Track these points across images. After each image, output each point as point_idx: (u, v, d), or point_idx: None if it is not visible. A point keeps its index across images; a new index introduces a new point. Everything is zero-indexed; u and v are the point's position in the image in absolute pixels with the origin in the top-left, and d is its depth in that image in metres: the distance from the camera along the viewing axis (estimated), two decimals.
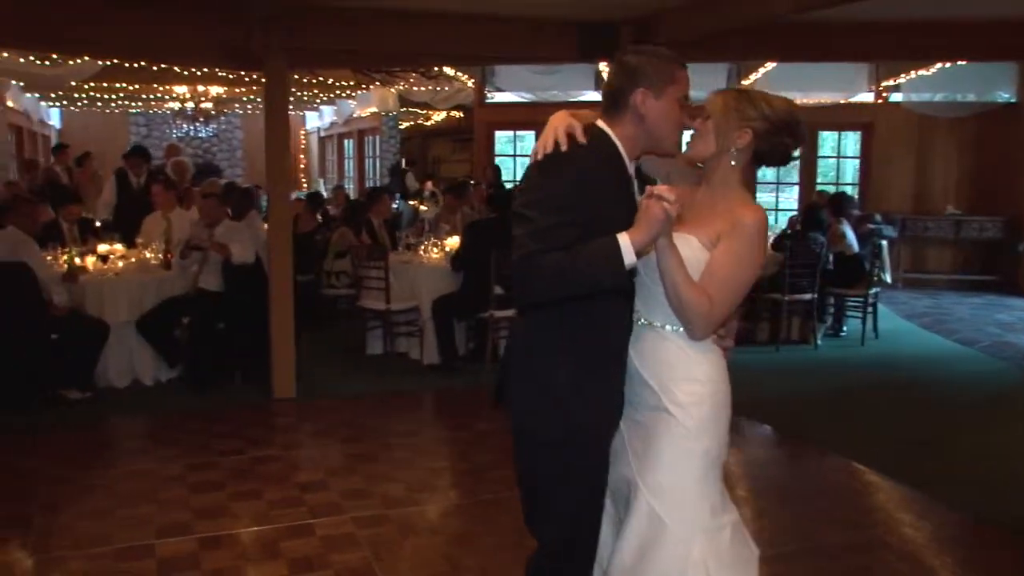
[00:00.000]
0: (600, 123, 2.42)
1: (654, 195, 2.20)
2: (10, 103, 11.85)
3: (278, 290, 6.30)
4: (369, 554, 3.96)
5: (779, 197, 13.14)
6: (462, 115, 15.39)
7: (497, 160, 13.22)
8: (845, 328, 9.06)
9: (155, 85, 12.24)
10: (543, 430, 2.44)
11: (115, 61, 8.85)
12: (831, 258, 8.66)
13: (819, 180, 12.82)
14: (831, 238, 8.63)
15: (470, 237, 7.26)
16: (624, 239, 2.21)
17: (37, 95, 13.27)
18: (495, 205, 7.54)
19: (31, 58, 8.96)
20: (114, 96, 13.42)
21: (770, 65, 10.97)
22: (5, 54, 8.72)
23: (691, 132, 2.53)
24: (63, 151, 11.38)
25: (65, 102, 14.65)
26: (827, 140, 13.26)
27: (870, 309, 8.74)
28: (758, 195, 12.95)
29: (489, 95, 13.03)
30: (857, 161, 12.91)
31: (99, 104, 14.58)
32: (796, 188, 12.98)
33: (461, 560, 3.93)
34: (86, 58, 9.01)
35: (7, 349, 5.92)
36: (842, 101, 12.34)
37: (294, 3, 6.17)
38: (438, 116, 16.66)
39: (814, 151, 12.66)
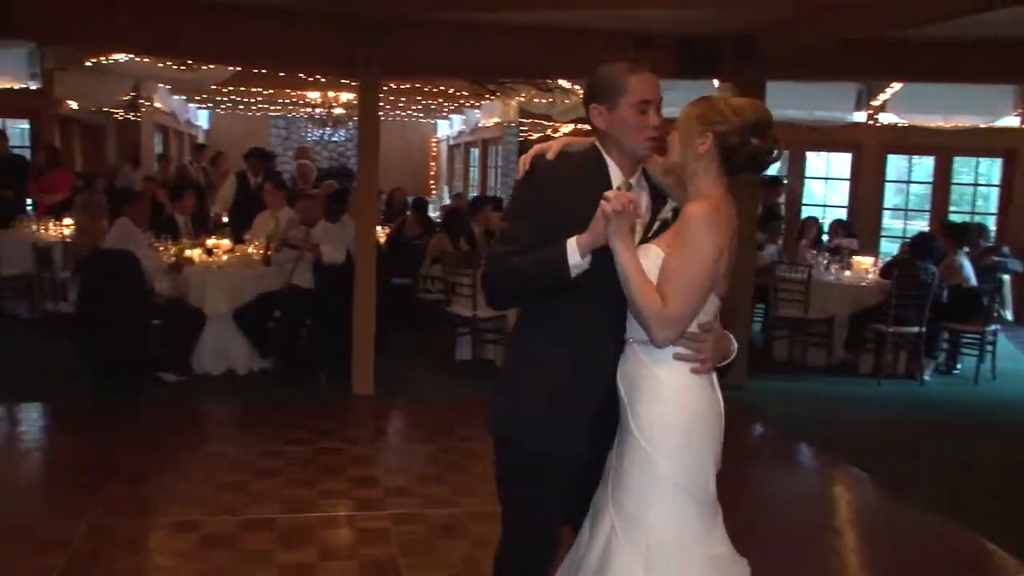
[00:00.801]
0: (596, 141, 2.50)
1: (603, 196, 2.27)
2: (158, 104, 12.74)
3: (361, 291, 6.52)
4: (396, 550, 4.06)
5: (907, 224, 12.53)
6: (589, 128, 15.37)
7: None
8: (959, 366, 8.56)
9: (288, 90, 12.86)
10: (514, 433, 2.48)
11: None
12: (945, 291, 8.21)
13: (952, 208, 12.15)
14: (944, 269, 8.18)
15: None
16: (572, 240, 2.29)
17: (184, 97, 14.20)
18: None
19: (169, 63, 9.61)
20: (253, 100, 14.18)
21: (898, 86, 10.49)
22: (146, 59, 9.37)
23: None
24: (200, 150, 12.12)
25: (210, 105, 15.62)
26: (963, 166, 12.55)
27: (988, 347, 8.23)
28: (885, 220, 12.42)
29: None
30: (997, 190, 12.15)
31: (241, 107, 15.45)
32: (927, 216, 12.34)
33: (482, 564, 3.96)
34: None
35: (112, 331, 6.37)
36: (983, 125, 11.66)
37: (394, 15, 6.38)
38: (566, 128, 16.72)
39: (947, 177, 12.01)
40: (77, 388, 6.43)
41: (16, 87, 10.60)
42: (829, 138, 11.83)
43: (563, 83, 11.22)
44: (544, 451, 2.44)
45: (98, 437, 5.62)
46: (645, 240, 2.44)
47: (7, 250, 8.42)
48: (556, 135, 17.50)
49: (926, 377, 8.08)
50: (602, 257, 2.31)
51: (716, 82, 7.67)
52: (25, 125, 11.48)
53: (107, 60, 9.75)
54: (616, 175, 2.45)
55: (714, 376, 2.44)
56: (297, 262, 7.03)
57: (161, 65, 9.69)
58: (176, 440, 5.56)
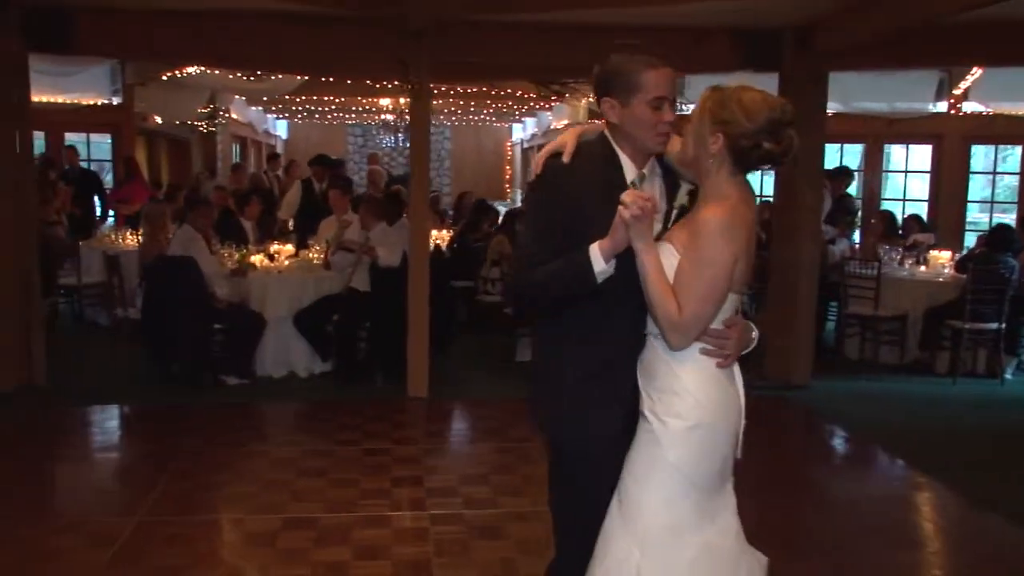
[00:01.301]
0: (605, 132, 2.49)
1: (620, 201, 2.25)
2: (234, 115, 13.12)
3: (415, 293, 6.56)
4: (432, 550, 4.07)
5: (993, 217, 11.96)
6: None
7: None
8: None
9: (359, 98, 13.07)
10: (555, 431, 2.54)
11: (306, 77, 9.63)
12: None
13: None
14: None
15: None
16: (595, 247, 2.30)
17: (261, 108, 14.59)
18: None
19: (240, 75, 9.88)
20: (328, 109, 14.48)
21: (979, 72, 10.06)
22: (216, 72, 9.66)
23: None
24: (274, 159, 12.45)
25: (287, 115, 16.01)
26: None
27: None
28: (970, 213, 11.90)
29: (684, 107, 12.84)
30: None
31: (317, 116, 15.80)
32: (1016, 208, 11.77)
33: (516, 565, 3.95)
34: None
35: (175, 335, 6.58)
36: None
37: (441, 18, 6.42)
38: None
39: None
40: (144, 392, 6.67)
41: (99, 103, 11.05)
42: (909, 129, 11.40)
43: None
44: (587, 449, 2.47)
45: (157, 437, 5.83)
46: (665, 229, 2.44)
47: (87, 259, 8.77)
48: None
49: (1007, 376, 7.70)
50: (625, 258, 2.31)
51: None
52: (107, 139, 11.92)
53: (182, 74, 10.10)
54: (629, 168, 2.45)
55: (736, 368, 2.45)
56: (356, 266, 7.13)
57: (231, 77, 9.98)
58: (229, 440, 5.69)
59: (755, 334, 2.46)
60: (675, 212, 2.44)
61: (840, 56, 7.13)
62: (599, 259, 2.29)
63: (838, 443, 6.27)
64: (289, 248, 7.91)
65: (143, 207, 7.72)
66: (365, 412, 6.24)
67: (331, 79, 10.59)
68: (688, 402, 2.32)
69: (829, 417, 6.53)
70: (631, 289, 2.33)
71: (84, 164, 11.52)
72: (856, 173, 12.03)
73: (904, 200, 11.91)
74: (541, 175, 2.47)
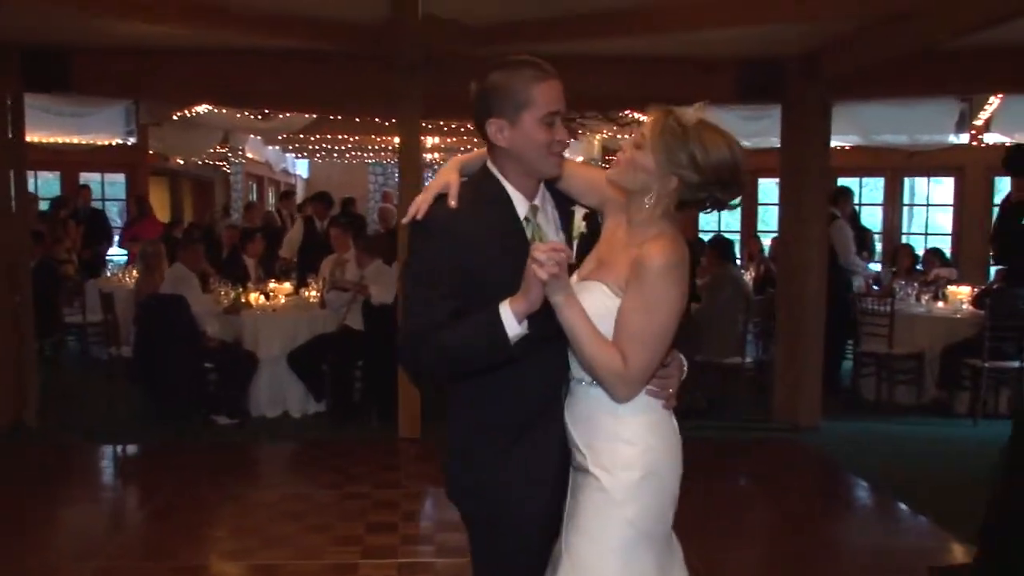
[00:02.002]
0: (488, 162, 2.21)
1: (531, 257, 1.98)
2: (250, 154, 13.18)
3: None
4: None
5: None
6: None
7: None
8: None
9: (372, 136, 13.08)
10: (472, 505, 2.26)
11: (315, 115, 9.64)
12: None
13: None
14: None
15: None
16: (506, 308, 2.00)
17: (277, 147, 14.68)
18: None
19: (247, 113, 9.91)
20: (346, 148, 14.52)
21: (996, 102, 9.81)
22: (223, 111, 9.70)
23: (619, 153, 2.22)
24: (287, 197, 12.48)
25: (305, 153, 16.10)
26: None
27: None
28: None
29: None
30: None
31: (336, 155, 15.86)
32: None
33: None
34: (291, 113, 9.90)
35: (165, 373, 6.50)
36: None
37: (436, 52, 6.35)
38: None
39: None
40: (134, 431, 6.58)
41: (114, 143, 11.15)
42: (930, 162, 11.13)
43: (640, 117, 11.00)
44: (506, 519, 2.20)
45: (137, 478, 5.80)
46: (574, 264, 2.21)
47: (92, 298, 8.75)
48: None
49: None
50: (538, 312, 2.03)
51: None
52: (121, 178, 12.04)
53: (191, 114, 10.15)
54: (520, 202, 2.18)
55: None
56: (350, 304, 7.02)
57: (240, 116, 10.01)
58: (208, 481, 5.56)
59: (684, 365, 2.28)
60: (575, 242, 2.23)
61: (846, 85, 6.95)
62: (512, 320, 1.99)
63: (844, 489, 5.96)
64: (287, 287, 7.82)
65: (142, 245, 7.68)
66: (353, 454, 6.08)
67: (338, 116, 10.57)
68: (639, 449, 2.13)
69: (838, 461, 6.25)
70: (546, 340, 2.08)
71: (98, 204, 11.60)
72: (878, 208, 11.81)
73: (926, 234, 11.60)
74: (424, 225, 2.12)
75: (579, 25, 6.07)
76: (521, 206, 2.19)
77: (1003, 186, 11.49)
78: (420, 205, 2.14)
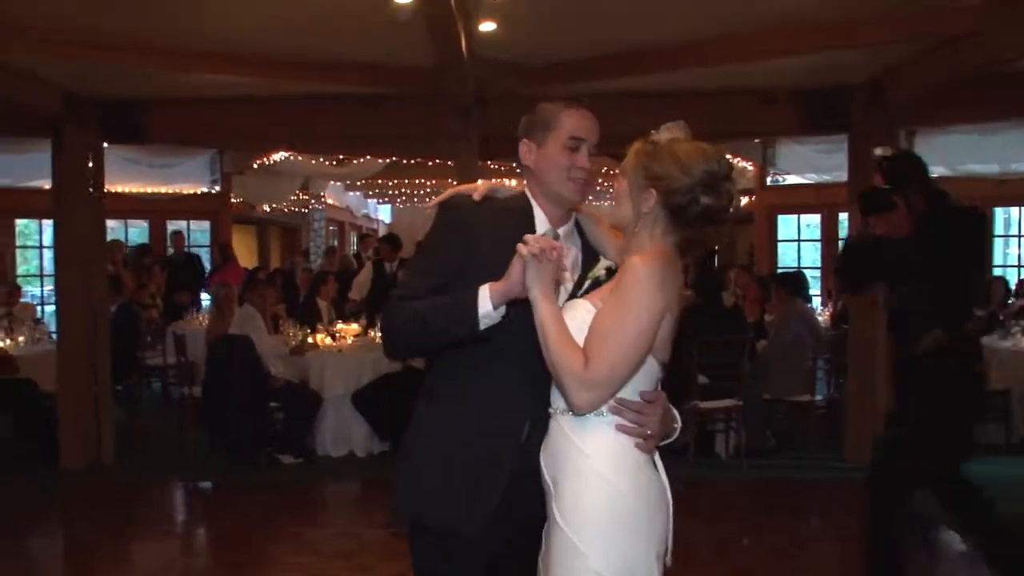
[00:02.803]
0: (524, 187, 2.31)
1: (523, 240, 2.02)
2: (331, 200, 13.54)
3: None
4: None
5: None
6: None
7: (780, 244, 12.52)
8: None
9: (449, 180, 13.25)
10: (412, 512, 2.26)
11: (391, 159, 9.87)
12: None
13: None
14: None
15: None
16: (485, 287, 2.05)
17: (358, 193, 15.05)
18: (702, 290, 7.11)
19: (322, 159, 10.20)
20: (422, 191, 14.78)
21: None
22: (300, 158, 10.01)
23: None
24: (365, 240, 12.74)
25: (385, 199, 16.44)
26: None
27: None
28: None
29: (777, 178, 12.47)
30: None
31: (416, 200, 16.14)
32: None
33: None
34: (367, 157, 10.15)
35: (232, 412, 6.65)
36: None
37: (490, 93, 6.43)
38: (740, 201, 16.18)
39: None
40: (201, 470, 6.77)
41: (199, 191, 11.63)
42: (1021, 191, 10.63)
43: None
44: (444, 531, 2.17)
45: (197, 516, 5.99)
46: (573, 296, 2.18)
47: (172, 342, 9.05)
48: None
49: None
50: (522, 313, 2.04)
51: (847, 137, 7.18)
52: (206, 226, 12.51)
53: (270, 161, 10.52)
54: (542, 223, 2.23)
55: (658, 459, 2.11)
56: None
57: (315, 162, 10.31)
58: (263, 519, 5.66)
59: (677, 423, 2.14)
60: (588, 283, 2.17)
61: (911, 111, 6.74)
62: (487, 300, 2.02)
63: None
64: (355, 327, 7.94)
65: (214, 288, 7.94)
66: None
67: (407, 160, 10.77)
68: (603, 490, 1.98)
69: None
70: (526, 354, 2.05)
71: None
72: None
73: (1020, 266, 11.06)
74: (445, 209, 2.25)
75: (629, 61, 6.07)
76: (542, 226, 2.23)
77: None
78: (443, 196, 2.29)
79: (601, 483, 1.98)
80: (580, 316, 2.04)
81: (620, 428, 2.01)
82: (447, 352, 2.20)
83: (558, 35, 5.72)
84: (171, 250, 11.55)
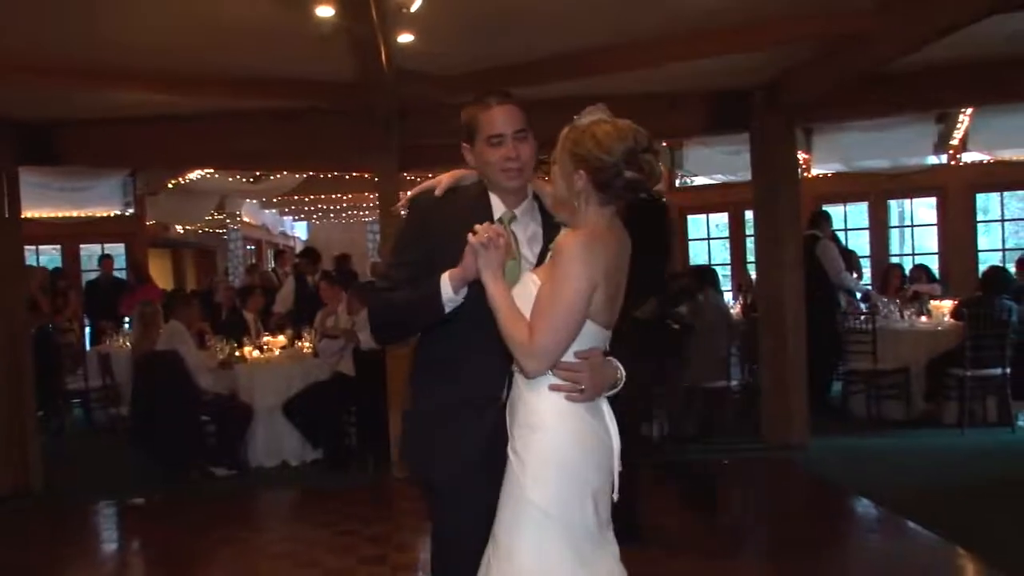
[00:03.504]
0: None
1: (473, 229, 2.29)
2: (247, 218, 13.48)
3: (394, 374, 6.57)
4: None
5: (1006, 265, 11.69)
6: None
7: (691, 243, 12.99)
8: None
9: (366, 193, 13.33)
10: (412, 468, 2.62)
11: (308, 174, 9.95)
12: None
13: None
14: None
15: None
16: (445, 275, 2.33)
17: (275, 211, 15.00)
18: None
19: (239, 177, 10.20)
20: (340, 207, 14.81)
21: (965, 120, 10.05)
22: (215, 175, 9.99)
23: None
24: (281, 256, 12.75)
25: (302, 215, 16.40)
26: None
27: None
28: (983, 263, 11.64)
29: (685, 180, 12.93)
30: None
31: (332, 215, 16.15)
32: None
33: None
34: (284, 173, 10.22)
35: (163, 428, 6.65)
36: None
37: (409, 104, 6.61)
38: None
39: None
40: (134, 488, 6.74)
41: (112, 214, 11.47)
42: (911, 184, 11.32)
43: None
44: (443, 486, 2.45)
45: (133, 532, 5.99)
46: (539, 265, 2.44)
47: (94, 365, 8.93)
48: None
49: (1020, 423, 7.43)
50: (480, 294, 2.30)
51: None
52: (120, 248, 12.32)
53: (184, 180, 10.46)
54: (498, 207, 2.49)
55: (603, 404, 2.36)
56: (342, 351, 7.18)
57: (231, 180, 10.30)
58: (201, 529, 5.69)
59: (620, 374, 2.36)
60: (550, 254, 2.38)
61: (807, 110, 7.18)
62: (447, 286, 2.32)
63: (834, 501, 6.03)
64: (282, 339, 8.00)
65: (139, 306, 7.90)
66: (347, 496, 6.21)
67: (325, 175, 10.85)
68: (546, 437, 2.26)
69: (828, 475, 6.32)
70: (492, 326, 2.30)
71: (95, 273, 11.85)
72: (864, 232, 11.97)
73: (913, 255, 11.74)
74: (411, 207, 2.54)
75: (544, 69, 6.31)
76: (499, 210, 2.49)
77: (983, 203, 11.69)
78: (408, 196, 2.58)
79: (545, 431, 2.27)
80: (530, 290, 2.30)
81: (552, 387, 2.28)
82: (429, 330, 2.50)
83: (474, 45, 5.93)
84: (97, 273, 11.39)
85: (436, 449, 2.45)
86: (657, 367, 4.53)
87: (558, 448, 2.26)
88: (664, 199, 4.93)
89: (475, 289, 2.32)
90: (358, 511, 5.81)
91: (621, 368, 2.38)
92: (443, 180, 2.55)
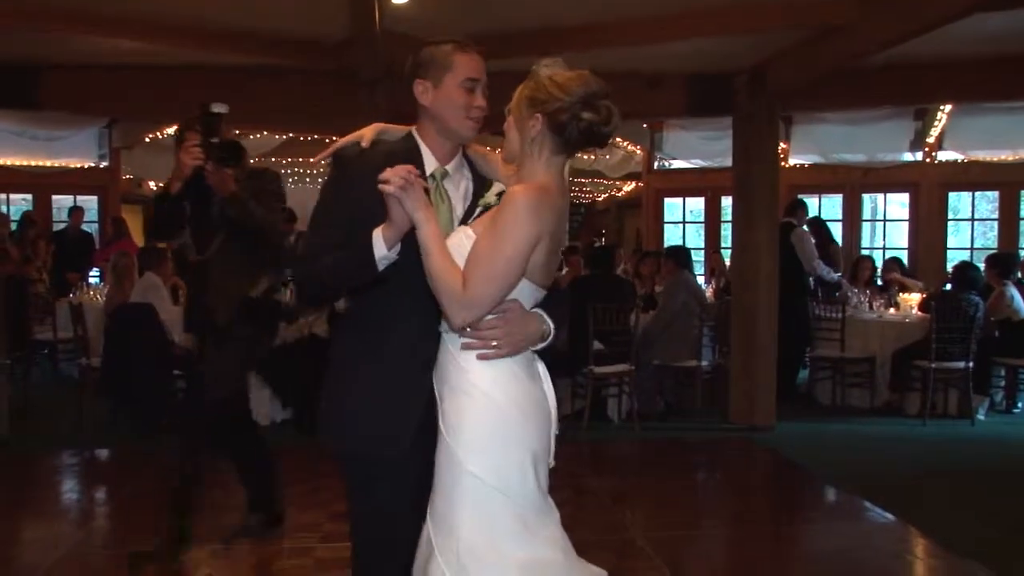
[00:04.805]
0: (412, 129, 2.43)
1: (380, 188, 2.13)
2: None
3: None
4: None
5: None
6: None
7: (667, 225, 13.09)
8: (1020, 404, 8.04)
9: None
10: (336, 442, 2.41)
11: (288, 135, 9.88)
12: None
13: None
14: (993, 303, 7.76)
15: (572, 294, 7.25)
16: (378, 231, 2.18)
17: None
18: (595, 263, 7.48)
19: None
20: (317, 171, 14.69)
21: (943, 118, 10.22)
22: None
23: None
24: None
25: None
26: None
27: None
28: (952, 260, 11.85)
29: (664, 163, 12.99)
30: None
31: (308, 180, 16.02)
32: None
33: None
34: (264, 133, 10.14)
35: (135, 381, 6.62)
36: None
37: (396, 68, 6.57)
38: (628, 187, 16.71)
39: (1014, 213, 11.40)
40: (102, 439, 6.76)
41: (86, 166, 11.32)
42: (886, 179, 11.48)
43: None
44: (371, 458, 2.32)
45: (99, 481, 6.01)
46: (463, 224, 2.33)
47: (63, 317, 8.85)
48: (619, 194, 17.57)
49: (980, 417, 7.61)
50: (413, 250, 2.18)
51: None
52: (94, 200, 12.16)
53: (162, 135, 10.34)
54: (430, 162, 2.36)
55: (539, 366, 2.30)
56: (318, 312, 7.17)
57: None
58: (167, 481, 5.66)
59: (547, 325, 2.25)
60: (479, 210, 2.32)
61: (791, 98, 7.26)
62: (381, 244, 2.17)
63: (798, 482, 6.16)
64: None
65: (114, 257, 7.83)
66: (318, 454, 6.14)
67: (306, 137, 10.79)
68: (480, 402, 2.16)
69: (792, 457, 6.44)
70: (420, 286, 2.19)
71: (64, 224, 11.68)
72: (837, 224, 12.11)
73: (884, 248, 11.92)
74: (334, 163, 2.37)
75: (532, 40, 6.32)
76: (431, 165, 2.36)
77: (955, 202, 11.87)
78: (330, 150, 2.39)
79: (478, 395, 2.17)
80: (461, 242, 2.19)
81: (464, 346, 2.18)
82: (358, 295, 2.37)
83: (464, 13, 5.94)
84: (65, 224, 11.25)
85: (369, 420, 2.30)
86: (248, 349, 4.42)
87: (493, 415, 2.16)
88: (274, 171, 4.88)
89: (408, 246, 2.18)
90: (328, 468, 5.79)
91: (548, 320, 2.27)
92: (367, 132, 2.41)
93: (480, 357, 2.17)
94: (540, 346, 2.27)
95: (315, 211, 2.37)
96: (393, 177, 2.10)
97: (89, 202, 11.88)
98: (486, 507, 2.13)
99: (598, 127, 2.18)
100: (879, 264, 10.17)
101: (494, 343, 2.17)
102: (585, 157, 12.93)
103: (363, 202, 2.23)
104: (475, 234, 2.19)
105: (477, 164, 2.47)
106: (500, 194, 2.27)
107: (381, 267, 2.18)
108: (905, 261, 10.96)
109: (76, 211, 11.17)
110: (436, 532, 2.17)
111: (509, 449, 2.16)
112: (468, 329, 2.17)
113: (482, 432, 2.15)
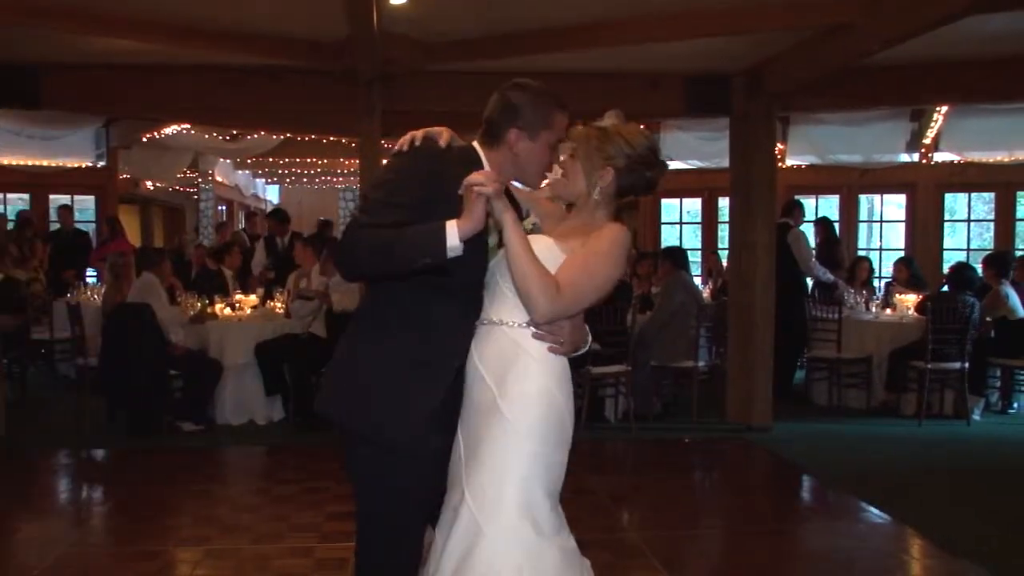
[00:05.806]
0: (476, 143, 2.49)
1: (468, 185, 2.23)
2: (220, 178, 13.36)
3: None
4: None
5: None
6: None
7: (664, 226, 13.11)
8: (1016, 404, 8.07)
9: (341, 159, 13.30)
10: (358, 425, 2.42)
11: (285, 136, 9.89)
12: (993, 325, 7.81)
13: (1020, 246, 11.55)
14: (989, 301, 7.78)
15: None
16: (452, 223, 2.22)
17: (248, 172, 14.88)
18: None
19: (215, 135, 10.11)
20: (314, 172, 14.74)
21: (939, 119, 10.25)
22: (191, 132, 9.90)
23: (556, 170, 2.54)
24: (252, 219, 12.67)
25: (275, 179, 16.30)
26: None
27: None
28: (948, 261, 11.87)
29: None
30: None
31: (305, 180, 16.07)
32: None
33: None
34: (262, 133, 10.15)
35: (132, 381, 6.62)
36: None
37: (394, 68, 6.59)
38: None
39: (1011, 214, 11.45)
40: (99, 439, 6.75)
41: (84, 166, 11.31)
42: (882, 180, 11.51)
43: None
44: (386, 443, 2.37)
45: (98, 480, 5.96)
46: (500, 245, 2.43)
47: (60, 317, 8.84)
48: None
49: (975, 417, 7.63)
50: (468, 252, 2.25)
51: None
52: (91, 200, 12.16)
53: (160, 135, 10.35)
54: None
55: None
56: (315, 313, 7.18)
57: (208, 137, 10.21)
58: (168, 480, 5.73)
59: (588, 338, 2.50)
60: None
61: (789, 98, 7.28)
62: (454, 235, 2.20)
63: (795, 481, 6.19)
64: (253, 299, 7.98)
65: (111, 257, 7.83)
66: (315, 454, 6.23)
67: (303, 137, 10.80)
68: (541, 391, 2.35)
69: (788, 457, 6.46)
70: (457, 284, 2.34)
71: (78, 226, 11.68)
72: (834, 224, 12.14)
73: (880, 250, 11.95)
74: (417, 151, 2.38)
75: (531, 41, 6.33)
76: None
77: (951, 203, 11.91)
78: (419, 135, 2.41)
79: (541, 384, 2.37)
80: (543, 246, 2.38)
81: (535, 336, 2.39)
82: (390, 284, 2.40)
83: (463, 14, 5.94)
84: (57, 224, 11.22)
85: (386, 404, 2.36)
86: None
87: (556, 410, 2.38)
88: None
89: (468, 245, 2.23)
90: (325, 468, 5.84)
91: (589, 333, 2.51)
92: (444, 133, 2.46)
93: (551, 350, 2.39)
94: (577, 354, 2.47)
95: (387, 185, 2.35)
96: (486, 180, 2.22)
97: (86, 202, 11.88)
98: (531, 483, 2.33)
99: (653, 183, 2.50)
100: (878, 264, 10.18)
101: (561, 339, 2.39)
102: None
103: (439, 193, 2.30)
104: (560, 248, 2.40)
105: (513, 193, 2.57)
106: (535, 224, 2.54)
107: (449, 256, 2.21)
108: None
109: (64, 209, 11.14)
110: (480, 508, 2.31)
111: (559, 435, 2.39)
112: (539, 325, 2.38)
113: (543, 418, 2.36)
